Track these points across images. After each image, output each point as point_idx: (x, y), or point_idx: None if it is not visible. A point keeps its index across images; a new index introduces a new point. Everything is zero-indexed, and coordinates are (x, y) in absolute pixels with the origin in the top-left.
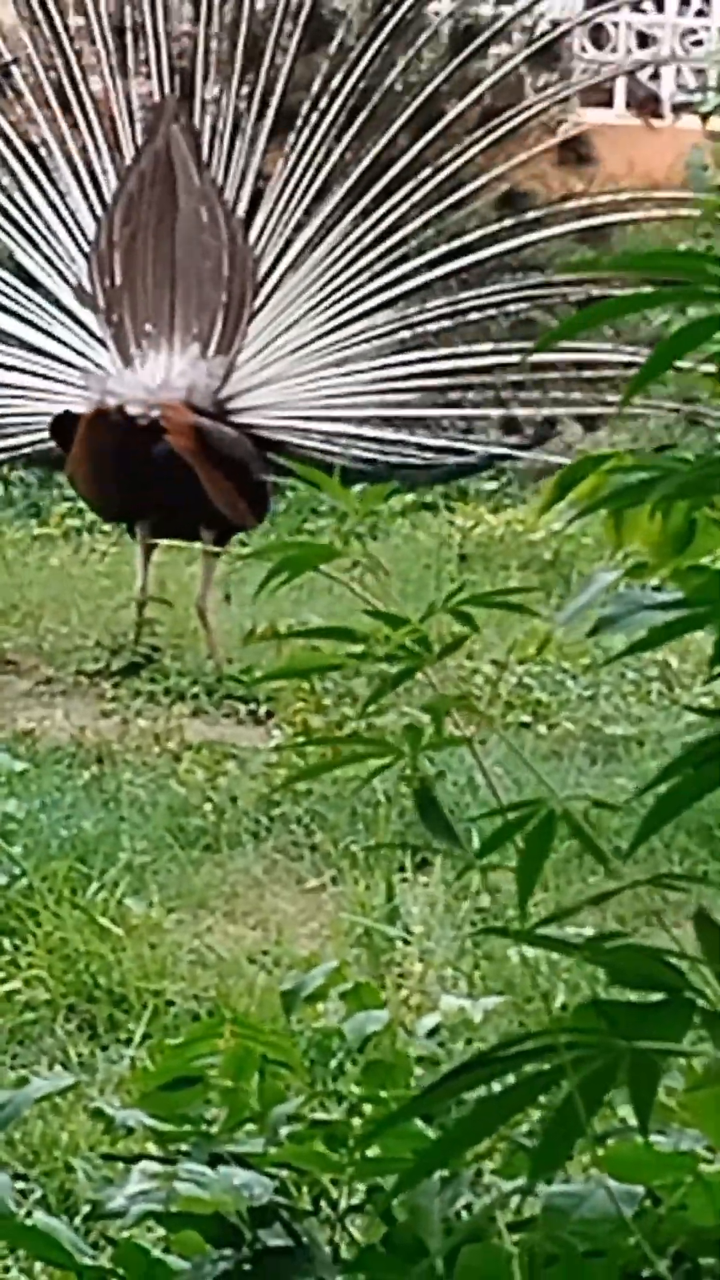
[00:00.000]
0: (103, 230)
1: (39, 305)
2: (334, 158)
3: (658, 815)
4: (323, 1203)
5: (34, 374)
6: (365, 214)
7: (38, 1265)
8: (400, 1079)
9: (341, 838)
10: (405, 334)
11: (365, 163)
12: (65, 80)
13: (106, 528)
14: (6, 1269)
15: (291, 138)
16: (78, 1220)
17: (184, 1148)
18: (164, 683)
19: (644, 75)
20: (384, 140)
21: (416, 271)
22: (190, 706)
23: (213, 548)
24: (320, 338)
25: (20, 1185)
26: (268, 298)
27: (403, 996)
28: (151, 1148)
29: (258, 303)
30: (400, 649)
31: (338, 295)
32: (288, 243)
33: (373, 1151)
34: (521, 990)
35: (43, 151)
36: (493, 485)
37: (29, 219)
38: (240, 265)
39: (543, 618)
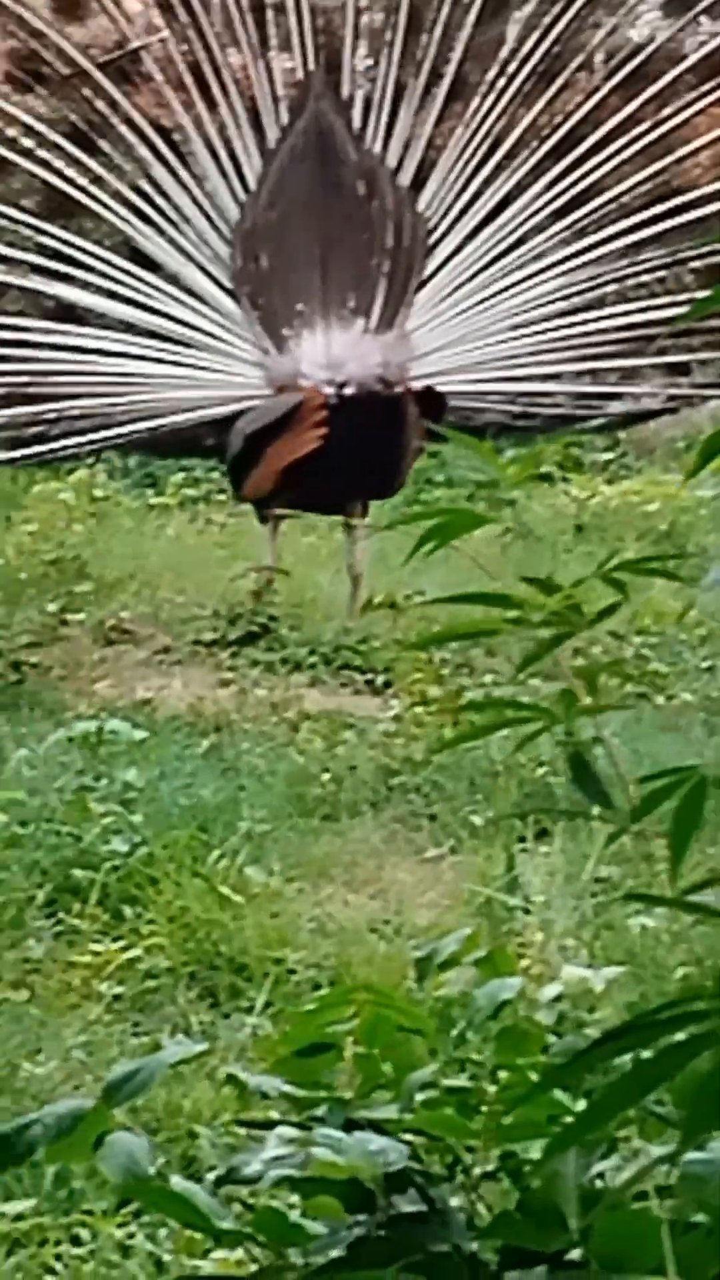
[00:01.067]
0: (248, 213)
1: (170, 294)
2: (524, 122)
3: None
4: (457, 1169)
5: (174, 363)
6: (564, 174)
7: (162, 1231)
8: (533, 1046)
9: (460, 808)
10: (611, 288)
11: (567, 125)
12: (204, 61)
13: (222, 498)
14: (131, 1235)
15: (475, 103)
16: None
17: (317, 1113)
18: (281, 652)
19: None
20: (592, 102)
21: (635, 228)
22: (307, 676)
23: (357, 520)
24: (506, 299)
25: None
26: (441, 264)
27: (523, 966)
28: (276, 1116)
29: (428, 270)
30: (554, 615)
31: (527, 257)
32: (465, 209)
33: (507, 1118)
34: (642, 960)
35: (177, 136)
36: (608, 456)
37: (158, 207)
38: (407, 234)
39: (684, 582)
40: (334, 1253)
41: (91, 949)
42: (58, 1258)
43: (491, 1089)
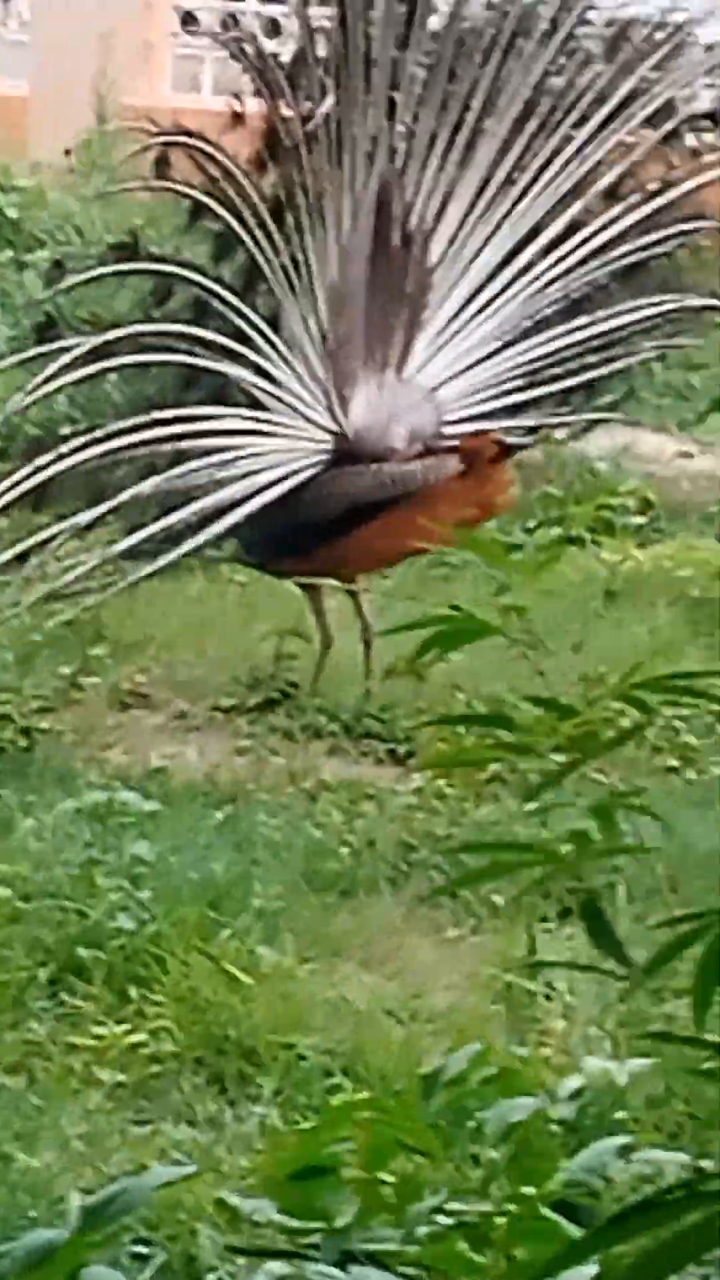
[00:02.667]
0: (339, 273)
1: (289, 361)
2: (508, 162)
3: None
4: None
5: (270, 434)
6: (518, 218)
7: None
8: (548, 1169)
9: (481, 885)
10: (543, 316)
11: (538, 162)
12: (344, 120)
13: None
14: None
15: (480, 152)
16: None
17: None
18: (300, 719)
19: None
20: (556, 139)
21: (561, 259)
22: (327, 744)
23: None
24: (468, 340)
25: (144, 1249)
26: (439, 306)
27: (544, 1055)
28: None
29: (427, 314)
30: (569, 740)
31: (485, 298)
32: (458, 252)
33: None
34: (668, 1051)
35: (323, 202)
36: (640, 520)
37: (301, 274)
38: (420, 283)
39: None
40: None
41: (94, 1032)
42: None
43: (502, 1220)
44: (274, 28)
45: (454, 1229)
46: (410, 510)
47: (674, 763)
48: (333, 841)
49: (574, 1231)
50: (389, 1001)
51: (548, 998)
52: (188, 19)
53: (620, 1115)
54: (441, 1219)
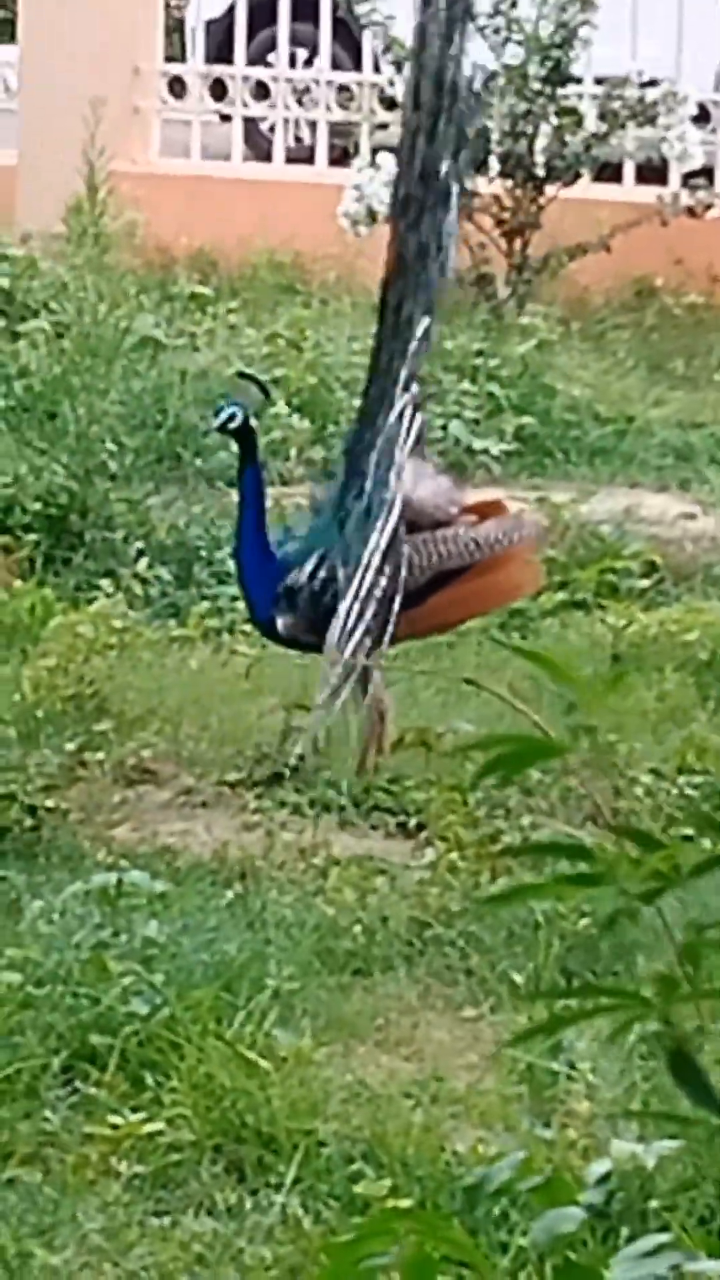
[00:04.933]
0: None
1: None
2: None
3: None
4: None
5: None
6: None
7: None
8: None
9: (498, 962)
10: None
11: None
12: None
13: (247, 629)
14: None
15: None
16: None
17: None
18: (309, 793)
19: None
20: None
21: None
22: (337, 818)
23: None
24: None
25: None
26: None
27: (570, 1139)
28: None
29: None
30: (653, 874)
31: None
32: None
33: None
34: (697, 1133)
35: None
36: (645, 583)
37: None
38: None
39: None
40: None
41: (110, 1121)
42: None
43: None
44: (263, 91)
45: None
46: (483, 575)
47: (689, 832)
48: (345, 919)
49: None
50: (408, 1084)
51: (570, 1078)
52: (175, 84)
53: (651, 1201)
54: None
